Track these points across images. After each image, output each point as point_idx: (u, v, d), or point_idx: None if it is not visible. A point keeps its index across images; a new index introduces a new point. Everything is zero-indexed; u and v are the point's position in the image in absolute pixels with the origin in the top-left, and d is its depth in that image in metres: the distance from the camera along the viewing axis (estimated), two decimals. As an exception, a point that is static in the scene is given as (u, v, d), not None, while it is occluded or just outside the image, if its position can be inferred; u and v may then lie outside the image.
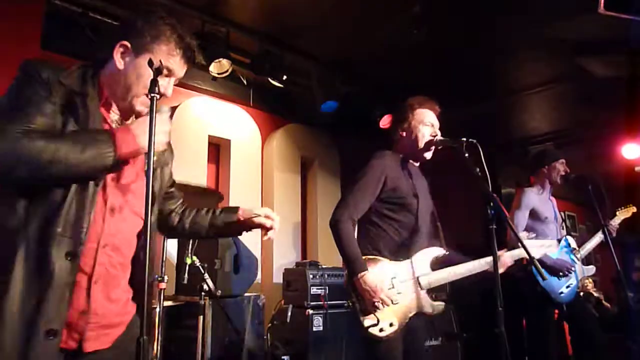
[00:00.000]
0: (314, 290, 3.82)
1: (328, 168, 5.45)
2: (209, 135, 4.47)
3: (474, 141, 2.09)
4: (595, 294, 5.29)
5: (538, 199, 3.38)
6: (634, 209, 3.68)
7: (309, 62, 4.46)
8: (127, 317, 1.39)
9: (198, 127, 4.40)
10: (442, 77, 4.51)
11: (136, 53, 1.35)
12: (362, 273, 2.04)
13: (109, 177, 1.32)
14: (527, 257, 2.00)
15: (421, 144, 2.33)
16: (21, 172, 1.16)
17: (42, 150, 1.15)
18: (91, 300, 1.27)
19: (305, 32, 4.07)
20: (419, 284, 2.18)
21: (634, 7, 2.85)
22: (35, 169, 1.16)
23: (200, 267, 2.93)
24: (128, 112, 1.41)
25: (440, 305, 2.22)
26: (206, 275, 2.94)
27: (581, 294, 3.59)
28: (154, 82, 1.26)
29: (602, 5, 2.83)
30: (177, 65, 1.40)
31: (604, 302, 5.32)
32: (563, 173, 3.40)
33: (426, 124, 2.34)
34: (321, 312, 3.76)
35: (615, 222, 3.58)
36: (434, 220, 2.39)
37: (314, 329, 3.71)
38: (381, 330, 2.06)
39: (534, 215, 3.32)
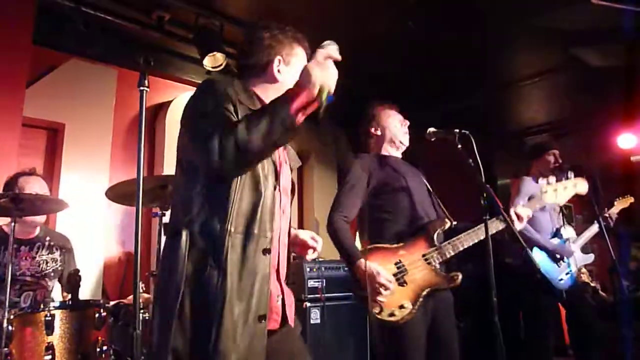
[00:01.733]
0: (311, 283, 3.83)
1: (325, 161, 5.45)
2: (204, 129, 4.45)
3: (467, 132, 2.10)
4: (592, 284, 5.31)
5: (536, 187, 3.40)
6: (632, 199, 3.71)
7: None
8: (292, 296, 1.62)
9: (193, 121, 4.38)
10: (437, 69, 4.50)
11: (286, 63, 1.61)
12: (359, 261, 2.07)
13: (280, 181, 1.48)
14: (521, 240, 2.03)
15: (398, 133, 2.44)
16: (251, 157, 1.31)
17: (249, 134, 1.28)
18: (281, 285, 1.49)
19: (300, 25, 4.04)
20: (427, 261, 2.16)
21: (627, -4, 2.85)
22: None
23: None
24: None
25: (456, 276, 2.15)
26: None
27: (579, 282, 3.62)
28: (143, 75, 1.26)
29: (596, -6, 2.83)
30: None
31: (600, 291, 5.35)
32: (554, 165, 3.42)
33: (393, 116, 2.47)
34: (318, 304, 3.77)
35: (614, 211, 3.60)
36: (434, 201, 2.40)
37: (312, 321, 3.72)
38: (391, 314, 2.04)
39: None
